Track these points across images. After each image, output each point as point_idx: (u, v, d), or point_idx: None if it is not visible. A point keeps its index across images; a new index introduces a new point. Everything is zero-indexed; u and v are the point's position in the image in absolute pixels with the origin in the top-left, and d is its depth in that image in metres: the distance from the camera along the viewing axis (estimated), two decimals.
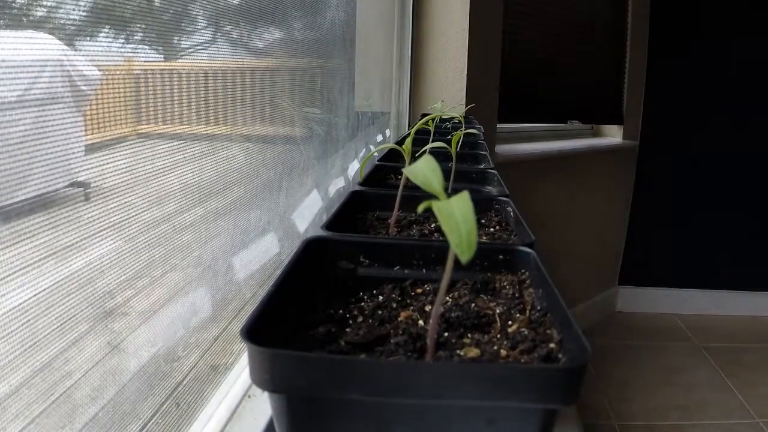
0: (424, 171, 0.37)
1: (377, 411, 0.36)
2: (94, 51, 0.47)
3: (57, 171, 0.42)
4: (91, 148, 0.47)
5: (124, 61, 0.53)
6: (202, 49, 0.68)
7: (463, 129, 0.87)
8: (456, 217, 0.32)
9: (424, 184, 0.37)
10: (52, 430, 0.43)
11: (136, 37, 0.54)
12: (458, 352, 0.41)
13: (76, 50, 0.45)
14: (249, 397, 0.70)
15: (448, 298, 0.50)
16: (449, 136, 0.88)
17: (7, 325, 0.37)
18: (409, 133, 0.77)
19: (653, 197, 3.31)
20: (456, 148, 0.83)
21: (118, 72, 0.52)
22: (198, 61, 0.69)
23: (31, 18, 0.39)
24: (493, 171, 0.96)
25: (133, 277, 0.52)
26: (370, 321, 0.46)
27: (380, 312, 0.47)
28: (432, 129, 1.06)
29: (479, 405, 0.34)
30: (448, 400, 0.34)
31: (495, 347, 0.41)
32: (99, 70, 0.49)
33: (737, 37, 3.14)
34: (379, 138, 1.77)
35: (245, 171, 0.81)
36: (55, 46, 0.42)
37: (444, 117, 1.31)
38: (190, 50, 0.66)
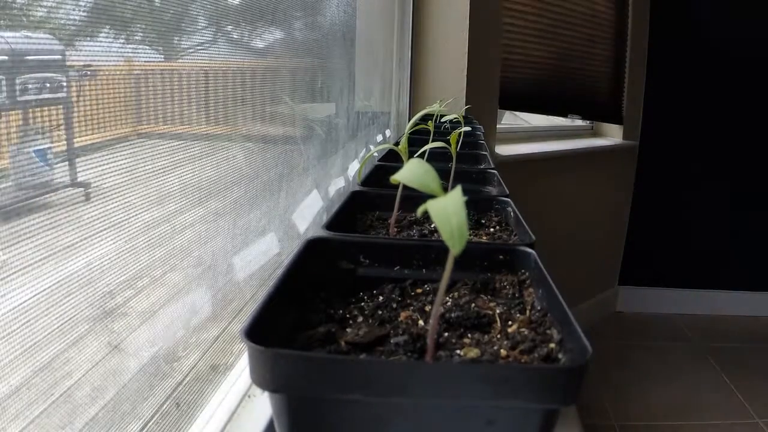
0: (418, 174, 0.37)
1: (377, 411, 0.36)
2: (94, 51, 0.47)
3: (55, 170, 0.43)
4: (91, 148, 0.47)
5: (124, 61, 0.53)
6: (202, 49, 0.68)
7: (461, 129, 0.87)
8: (447, 210, 0.32)
9: (422, 187, 0.37)
10: (52, 431, 0.43)
11: (136, 37, 0.54)
12: (458, 352, 0.41)
13: (76, 50, 0.45)
14: (249, 397, 0.70)
15: (448, 298, 0.50)
16: (449, 137, 0.88)
17: (8, 325, 0.37)
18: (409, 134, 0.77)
19: (653, 197, 3.31)
20: (456, 147, 0.83)
21: (118, 72, 0.52)
22: (198, 61, 0.69)
23: (31, 18, 0.39)
24: (493, 171, 0.96)
25: (133, 277, 0.52)
26: (370, 321, 0.46)
27: (380, 312, 0.47)
28: (432, 129, 1.06)
29: (479, 405, 0.34)
30: (448, 400, 0.34)
31: (495, 347, 0.41)
32: (99, 70, 0.49)
33: (738, 37, 3.14)
34: (379, 138, 1.77)
35: (245, 171, 0.81)
36: (54, 46, 0.42)
37: (443, 117, 1.31)
38: (190, 50, 0.66)
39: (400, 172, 0.38)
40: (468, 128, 0.92)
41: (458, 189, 0.33)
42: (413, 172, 0.38)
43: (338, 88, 1.26)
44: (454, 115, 1.16)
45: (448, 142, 0.83)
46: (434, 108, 0.92)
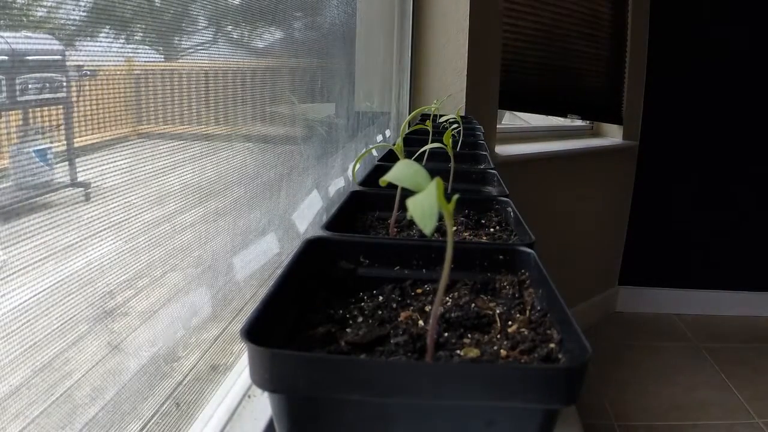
0: (408, 174, 0.37)
1: (377, 411, 0.36)
2: (94, 51, 0.47)
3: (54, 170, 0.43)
4: (91, 148, 0.47)
5: (124, 61, 0.53)
6: (203, 49, 0.68)
7: (458, 128, 0.87)
8: (421, 197, 0.33)
9: (414, 186, 0.37)
10: (52, 431, 0.43)
11: (136, 38, 0.54)
12: (458, 352, 0.41)
13: (76, 50, 0.45)
14: (249, 397, 0.70)
15: (448, 298, 0.50)
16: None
17: (8, 325, 0.37)
18: (406, 134, 0.77)
19: (653, 197, 3.31)
20: (455, 147, 0.83)
21: (118, 72, 0.52)
22: (198, 61, 0.69)
23: (31, 18, 0.39)
24: (493, 171, 0.96)
25: (133, 277, 0.52)
26: (370, 321, 0.46)
27: (380, 312, 0.47)
28: (431, 129, 1.06)
29: (479, 405, 0.34)
30: (448, 400, 0.34)
31: (495, 347, 0.41)
32: (99, 70, 0.49)
33: (738, 37, 3.14)
34: (379, 138, 1.77)
35: (245, 171, 0.81)
36: (54, 46, 0.42)
37: (442, 117, 1.31)
38: (190, 50, 0.66)
39: (389, 173, 0.38)
40: (458, 126, 0.92)
41: (436, 180, 0.34)
42: (402, 173, 0.38)
43: (338, 88, 1.26)
44: (453, 115, 1.16)
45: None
46: (430, 107, 0.92)
